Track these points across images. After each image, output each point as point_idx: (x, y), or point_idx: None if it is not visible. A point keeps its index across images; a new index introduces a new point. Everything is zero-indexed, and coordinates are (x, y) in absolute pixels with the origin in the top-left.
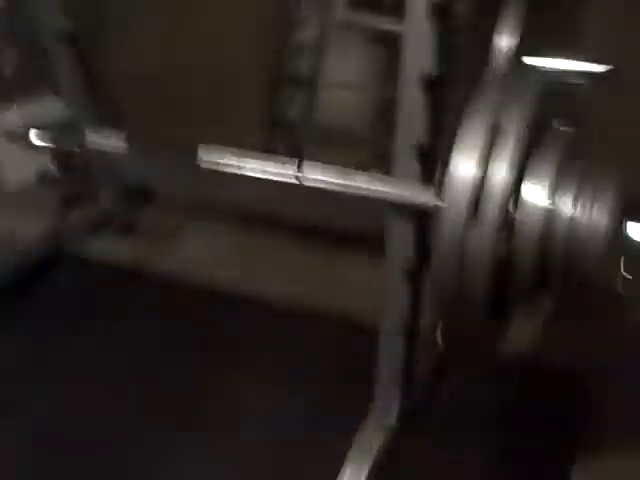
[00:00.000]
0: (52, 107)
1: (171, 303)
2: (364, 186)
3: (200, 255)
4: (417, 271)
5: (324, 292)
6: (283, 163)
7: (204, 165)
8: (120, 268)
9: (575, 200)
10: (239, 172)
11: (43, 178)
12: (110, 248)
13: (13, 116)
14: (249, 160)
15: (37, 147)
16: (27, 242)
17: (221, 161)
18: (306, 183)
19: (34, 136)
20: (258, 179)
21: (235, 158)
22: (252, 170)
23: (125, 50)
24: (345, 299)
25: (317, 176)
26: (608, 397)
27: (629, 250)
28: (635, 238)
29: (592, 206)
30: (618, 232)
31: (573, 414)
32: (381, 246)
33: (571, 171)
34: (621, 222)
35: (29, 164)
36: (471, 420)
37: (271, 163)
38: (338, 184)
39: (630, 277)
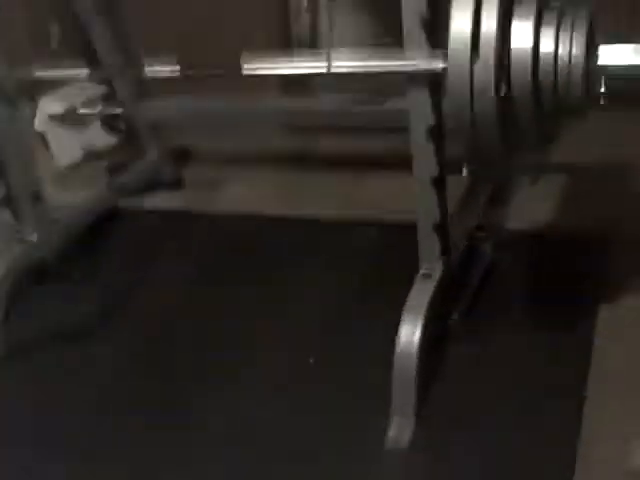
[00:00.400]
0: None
1: (225, 234)
2: (383, 63)
3: (244, 195)
4: (438, 129)
5: (359, 206)
6: (314, 55)
7: (247, 72)
8: (173, 214)
9: (555, 35)
10: (279, 72)
11: (90, 153)
12: (162, 201)
13: (58, 98)
14: (284, 60)
15: (84, 123)
16: (84, 206)
17: (261, 65)
18: (335, 70)
19: (82, 111)
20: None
21: (273, 61)
22: (289, 69)
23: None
24: (380, 207)
25: (344, 62)
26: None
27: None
28: (610, 61)
29: (570, 39)
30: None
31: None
32: (401, 164)
33: (549, 13)
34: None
35: (76, 143)
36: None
37: (303, 58)
38: (361, 66)
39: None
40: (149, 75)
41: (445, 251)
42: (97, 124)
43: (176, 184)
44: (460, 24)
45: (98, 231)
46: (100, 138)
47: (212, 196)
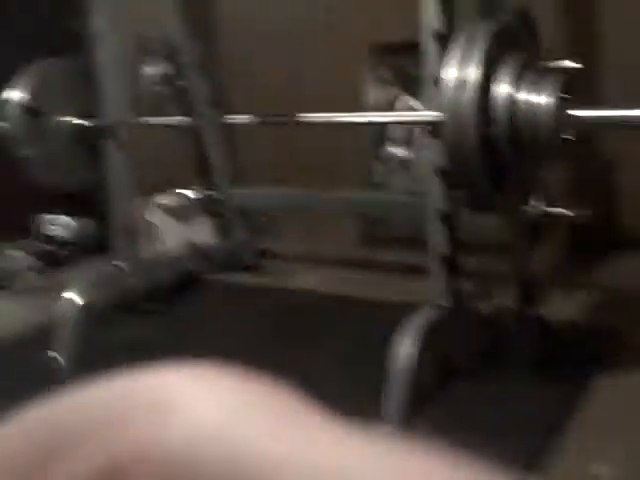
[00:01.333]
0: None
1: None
2: (402, 116)
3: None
4: (444, 168)
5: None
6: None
7: (299, 120)
8: (248, 288)
9: (529, 89)
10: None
11: (190, 245)
12: (242, 277)
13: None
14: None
15: (189, 219)
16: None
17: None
18: (368, 120)
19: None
20: None
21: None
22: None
23: None
24: None
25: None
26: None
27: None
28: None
29: (540, 92)
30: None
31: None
32: None
33: (526, 71)
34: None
35: (181, 234)
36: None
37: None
38: (387, 121)
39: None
40: (228, 122)
41: (453, 285)
42: (201, 221)
43: (254, 268)
44: (449, 79)
45: (179, 290)
46: (201, 235)
47: (282, 279)
